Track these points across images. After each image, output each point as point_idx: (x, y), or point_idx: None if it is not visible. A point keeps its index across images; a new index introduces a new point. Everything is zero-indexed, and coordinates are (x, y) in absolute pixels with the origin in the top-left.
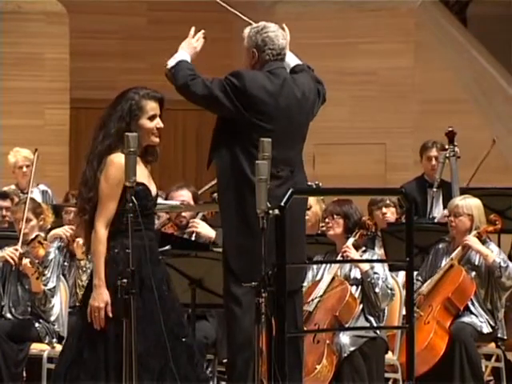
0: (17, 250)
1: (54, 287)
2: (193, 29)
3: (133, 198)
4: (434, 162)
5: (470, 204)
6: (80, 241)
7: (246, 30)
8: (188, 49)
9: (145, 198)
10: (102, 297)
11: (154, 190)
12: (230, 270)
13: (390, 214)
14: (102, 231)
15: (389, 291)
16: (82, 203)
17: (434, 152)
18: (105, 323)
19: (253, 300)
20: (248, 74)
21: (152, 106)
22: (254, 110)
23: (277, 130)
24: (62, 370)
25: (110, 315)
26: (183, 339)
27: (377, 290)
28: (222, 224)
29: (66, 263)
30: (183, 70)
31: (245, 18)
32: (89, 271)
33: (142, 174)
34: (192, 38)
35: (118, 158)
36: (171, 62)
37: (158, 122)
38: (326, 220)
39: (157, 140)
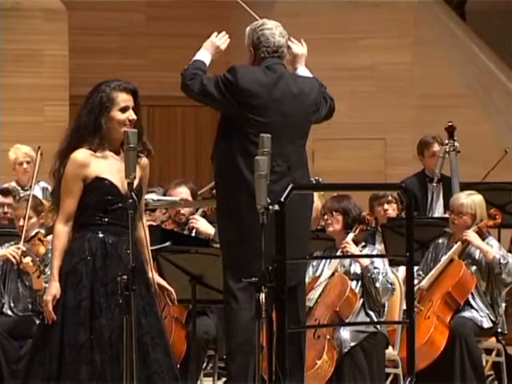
0: (19, 248)
1: None
2: (215, 33)
3: (132, 194)
4: (437, 157)
5: (475, 202)
6: None
7: (247, 29)
8: (211, 47)
9: (106, 193)
10: (50, 290)
11: (124, 187)
12: (225, 264)
13: (392, 210)
14: (58, 227)
15: (389, 286)
16: (51, 195)
17: (436, 147)
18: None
19: (250, 295)
20: (242, 68)
21: (123, 98)
22: (246, 104)
23: (271, 123)
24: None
25: (53, 317)
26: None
27: (377, 284)
28: (217, 219)
29: None
30: (189, 69)
31: (252, 13)
32: None
33: (108, 169)
34: (216, 37)
35: (75, 154)
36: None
37: (130, 114)
38: (325, 217)
39: None
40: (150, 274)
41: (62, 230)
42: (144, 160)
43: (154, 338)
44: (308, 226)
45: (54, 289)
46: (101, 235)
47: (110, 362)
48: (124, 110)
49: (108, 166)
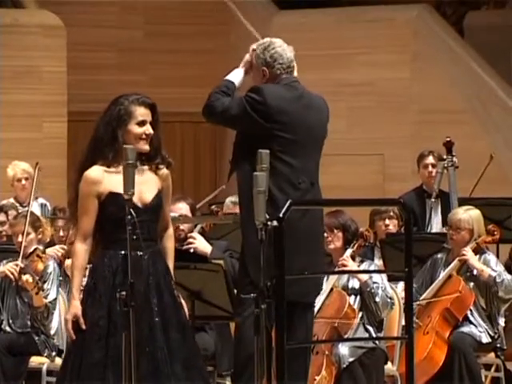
0: (17, 265)
1: (55, 299)
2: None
3: (131, 210)
4: (430, 169)
5: (472, 218)
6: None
7: (252, 47)
8: (242, 64)
9: (123, 208)
10: (70, 309)
11: (145, 198)
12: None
13: (393, 225)
14: (77, 245)
15: (388, 300)
16: (68, 207)
17: (430, 160)
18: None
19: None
20: (267, 86)
21: (141, 112)
22: (275, 121)
23: (298, 139)
24: None
25: (83, 327)
26: (147, 350)
27: (377, 299)
28: (242, 235)
29: (61, 278)
30: (214, 89)
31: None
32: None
33: (122, 183)
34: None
35: (88, 172)
36: None
37: (147, 128)
38: (325, 234)
39: (146, 147)
40: (173, 286)
41: (81, 249)
42: (164, 171)
43: (170, 352)
44: (321, 243)
45: (74, 308)
46: (122, 252)
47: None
48: (141, 123)
49: (122, 181)
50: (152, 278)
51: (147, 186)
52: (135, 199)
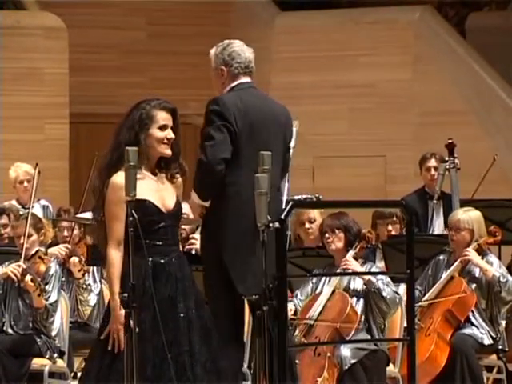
0: (19, 266)
1: (56, 301)
2: None
3: (133, 212)
4: (433, 172)
5: (471, 218)
6: (76, 259)
7: (211, 51)
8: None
9: (149, 214)
10: (119, 318)
11: (168, 204)
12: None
13: (395, 231)
14: (111, 253)
15: (396, 295)
16: (93, 213)
17: (432, 162)
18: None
19: None
20: (221, 96)
21: (163, 117)
22: (238, 128)
23: (257, 142)
24: None
25: (137, 330)
26: (169, 355)
27: (384, 294)
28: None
29: (63, 279)
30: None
31: None
32: (89, 288)
33: (147, 189)
34: None
35: (114, 178)
36: None
37: (168, 133)
38: (326, 235)
39: (167, 151)
40: (198, 289)
41: (116, 256)
42: (179, 180)
43: (192, 356)
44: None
45: (121, 317)
46: (149, 259)
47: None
48: (163, 128)
49: (146, 187)
50: (180, 283)
51: (167, 192)
52: (159, 205)
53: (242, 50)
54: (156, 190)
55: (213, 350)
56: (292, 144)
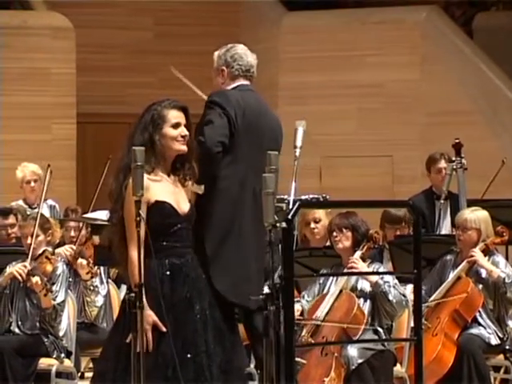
0: (25, 266)
1: (63, 301)
2: None
3: (140, 211)
4: (443, 173)
5: (479, 218)
6: (83, 262)
7: (215, 53)
8: None
9: (167, 216)
10: (147, 319)
11: (182, 207)
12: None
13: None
14: (133, 254)
15: (402, 297)
16: (110, 215)
17: (442, 164)
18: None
19: None
20: (224, 90)
21: (174, 115)
22: (237, 123)
23: (251, 141)
24: None
25: (164, 329)
26: (188, 355)
27: (390, 297)
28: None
29: (70, 279)
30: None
31: (198, 92)
32: (96, 290)
33: (165, 191)
34: None
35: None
36: None
37: (182, 130)
38: (334, 234)
39: (183, 147)
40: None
41: (136, 256)
42: (190, 185)
43: (208, 356)
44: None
45: (150, 317)
46: (166, 261)
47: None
48: (176, 126)
49: (164, 189)
50: (195, 284)
51: (181, 195)
52: (176, 207)
53: (245, 54)
54: (172, 193)
55: (226, 350)
56: (299, 144)
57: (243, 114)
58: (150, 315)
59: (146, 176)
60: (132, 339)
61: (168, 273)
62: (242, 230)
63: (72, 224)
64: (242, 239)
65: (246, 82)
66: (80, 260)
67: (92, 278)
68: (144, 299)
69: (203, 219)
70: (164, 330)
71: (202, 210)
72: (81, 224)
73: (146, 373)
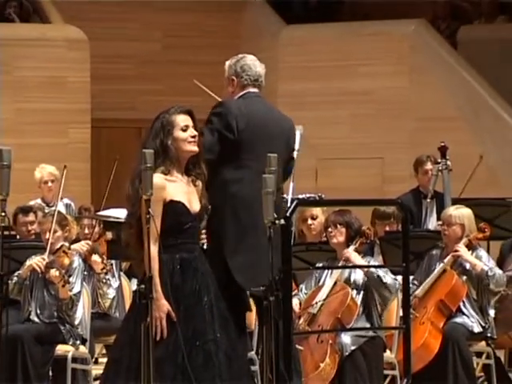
0: (44, 259)
1: (79, 292)
2: None
3: (150, 210)
4: (430, 174)
5: (462, 214)
6: (97, 259)
7: (227, 62)
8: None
9: (180, 215)
10: (162, 308)
11: (194, 207)
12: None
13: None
14: (151, 248)
15: (395, 281)
16: (128, 218)
17: (429, 165)
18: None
19: None
20: (226, 100)
21: (182, 119)
22: (240, 130)
23: (260, 145)
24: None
25: (174, 319)
26: (197, 343)
27: (385, 280)
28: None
29: (85, 272)
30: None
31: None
32: (108, 283)
33: (178, 191)
34: None
35: (153, 179)
36: None
37: (191, 132)
38: (329, 229)
39: (194, 148)
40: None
41: (155, 251)
42: (200, 186)
43: (216, 344)
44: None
45: (163, 306)
46: (177, 256)
47: (181, 373)
48: (185, 128)
49: (178, 189)
50: (203, 277)
51: (194, 195)
52: (188, 206)
53: (254, 65)
54: (186, 193)
55: (231, 338)
56: (297, 147)
57: (247, 119)
58: (165, 304)
59: (162, 177)
60: (143, 328)
61: (178, 267)
62: (257, 227)
63: (86, 221)
64: (257, 236)
65: (255, 90)
66: (94, 257)
67: (106, 273)
68: (159, 290)
69: (218, 226)
70: (175, 319)
71: (216, 216)
72: (94, 221)
73: (158, 360)
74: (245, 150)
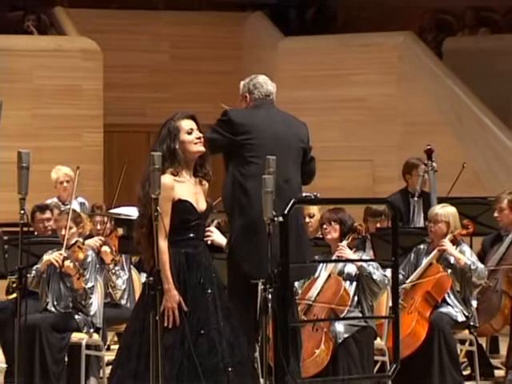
0: (61, 254)
1: (93, 286)
2: None
3: (157, 208)
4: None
5: (447, 212)
6: (107, 250)
7: (241, 82)
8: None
9: (187, 213)
10: (174, 298)
11: (200, 206)
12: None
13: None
14: (161, 243)
15: (384, 277)
16: (140, 219)
17: (422, 168)
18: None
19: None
20: (232, 109)
21: (186, 123)
22: (241, 133)
23: (264, 144)
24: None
25: (185, 308)
26: (202, 332)
27: (374, 276)
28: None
29: (97, 266)
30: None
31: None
32: (118, 273)
33: (186, 191)
34: None
35: (164, 180)
36: None
37: (196, 134)
38: (324, 226)
39: (201, 148)
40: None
41: (165, 246)
42: (206, 186)
43: (219, 332)
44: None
45: (175, 296)
46: (183, 250)
47: (187, 359)
48: (190, 131)
49: (186, 189)
50: (207, 271)
51: (200, 195)
52: (195, 205)
53: (265, 83)
54: (193, 193)
55: (234, 327)
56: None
57: (250, 123)
58: (176, 295)
59: (172, 178)
60: (151, 317)
61: (184, 261)
62: (262, 221)
63: (98, 218)
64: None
65: (265, 101)
66: (104, 248)
67: (116, 265)
68: (171, 281)
69: (229, 214)
70: (186, 308)
71: (229, 217)
72: (105, 218)
73: (168, 346)
74: (251, 149)
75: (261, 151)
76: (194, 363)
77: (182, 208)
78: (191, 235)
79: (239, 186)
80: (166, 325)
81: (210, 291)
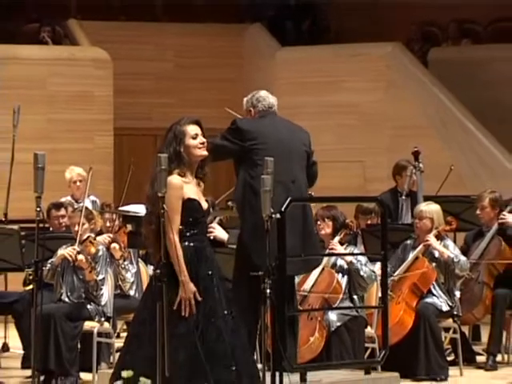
0: (74, 249)
1: (103, 278)
2: None
3: (164, 206)
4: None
5: (432, 209)
6: (116, 246)
7: (244, 98)
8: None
9: (195, 211)
10: (190, 289)
11: (203, 204)
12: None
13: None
14: (175, 239)
15: (372, 273)
16: (148, 216)
17: (411, 169)
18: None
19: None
20: (240, 118)
21: (192, 128)
22: (248, 139)
23: (270, 149)
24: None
25: (199, 299)
26: (212, 320)
27: (361, 273)
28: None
29: (107, 260)
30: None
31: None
32: (127, 267)
33: (193, 191)
34: None
35: (172, 180)
36: None
37: (200, 139)
38: (318, 222)
39: (204, 152)
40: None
41: (176, 240)
42: (202, 186)
43: (224, 319)
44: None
45: (192, 287)
46: (192, 244)
47: (200, 345)
48: (195, 136)
49: (192, 189)
50: (213, 263)
51: (201, 195)
52: (201, 204)
53: (267, 96)
54: (197, 193)
55: (235, 315)
56: None
57: (261, 132)
58: (193, 286)
59: (180, 178)
60: (158, 307)
61: (194, 254)
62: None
63: (107, 216)
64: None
65: (269, 112)
66: (113, 244)
67: (124, 260)
68: (186, 274)
69: (239, 211)
70: (199, 298)
71: (238, 206)
72: (114, 216)
73: (182, 334)
74: (259, 153)
75: (267, 155)
76: (207, 348)
77: (191, 206)
78: (196, 231)
79: (249, 187)
80: (183, 314)
81: (215, 282)
